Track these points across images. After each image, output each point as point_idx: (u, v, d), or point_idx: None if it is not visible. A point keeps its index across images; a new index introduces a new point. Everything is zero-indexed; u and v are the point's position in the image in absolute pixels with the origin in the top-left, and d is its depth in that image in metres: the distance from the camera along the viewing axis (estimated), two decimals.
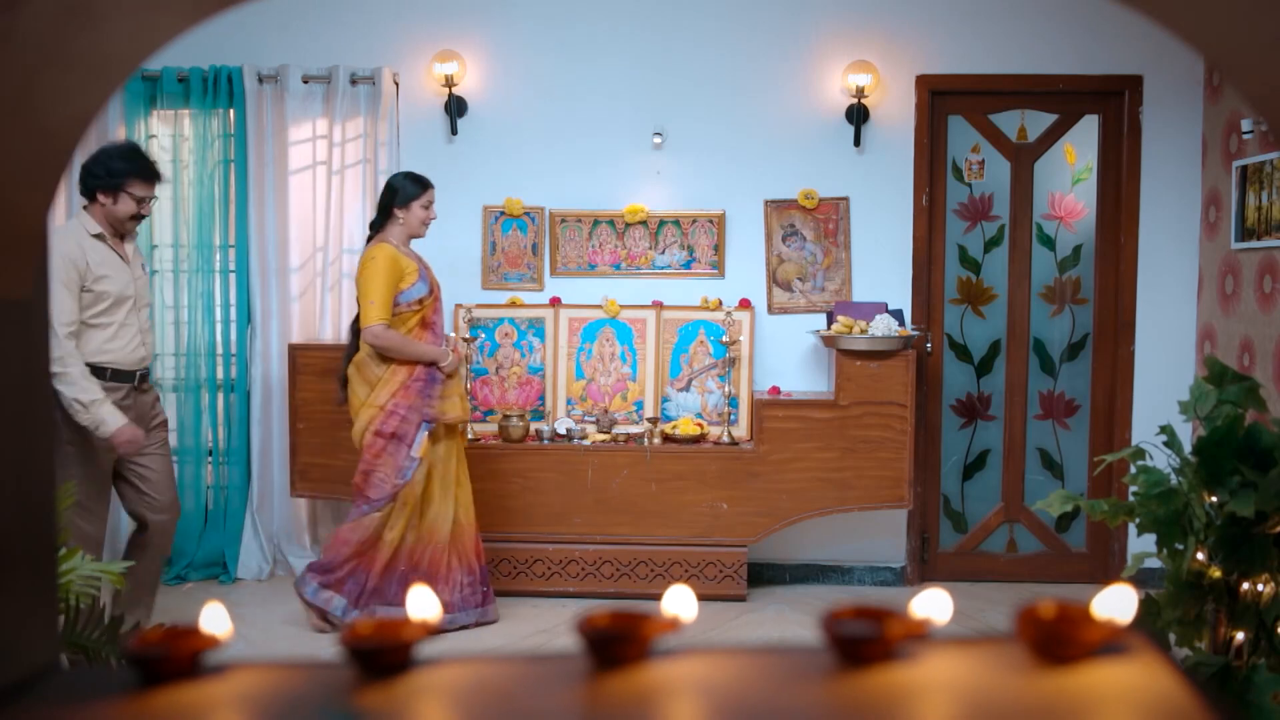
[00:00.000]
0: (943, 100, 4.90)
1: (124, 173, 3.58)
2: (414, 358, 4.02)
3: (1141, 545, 4.55)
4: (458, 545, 4.13)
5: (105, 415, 3.47)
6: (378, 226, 4.13)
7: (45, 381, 1.09)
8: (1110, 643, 0.84)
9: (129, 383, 3.65)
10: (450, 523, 4.11)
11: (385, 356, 4.01)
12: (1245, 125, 4.45)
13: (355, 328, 4.13)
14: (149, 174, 3.65)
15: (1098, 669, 0.82)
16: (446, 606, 4.07)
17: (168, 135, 5.00)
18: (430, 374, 4.05)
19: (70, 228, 3.59)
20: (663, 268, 4.94)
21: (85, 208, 3.62)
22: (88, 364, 3.51)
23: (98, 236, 3.58)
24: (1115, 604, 0.85)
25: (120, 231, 3.65)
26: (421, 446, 4.02)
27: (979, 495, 5.07)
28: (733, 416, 4.76)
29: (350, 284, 4.94)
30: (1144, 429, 4.79)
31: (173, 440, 4.48)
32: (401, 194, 4.07)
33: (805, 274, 4.91)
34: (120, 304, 3.60)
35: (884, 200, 4.88)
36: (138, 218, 3.66)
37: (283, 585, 4.87)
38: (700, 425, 4.68)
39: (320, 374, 4.64)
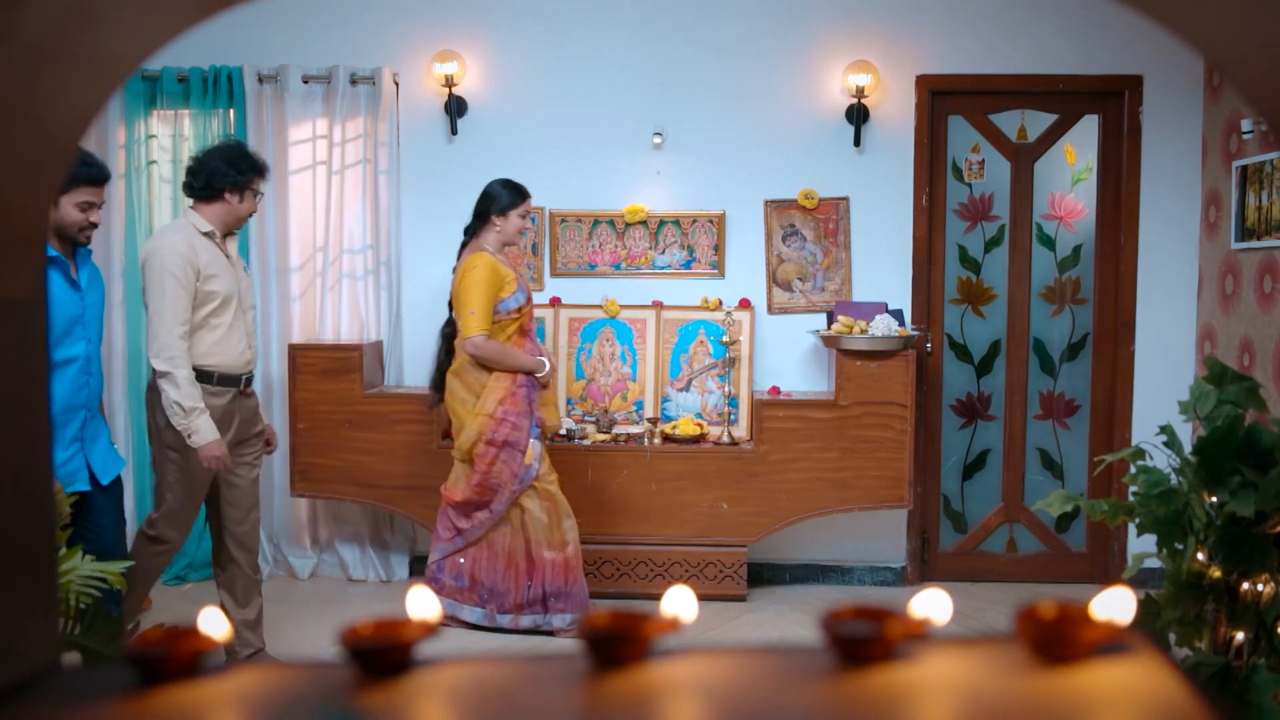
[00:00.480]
0: (943, 100, 4.90)
1: (250, 169, 3.53)
2: (513, 367, 4.02)
3: (1141, 545, 4.55)
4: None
5: (202, 425, 3.37)
6: (472, 232, 4.11)
7: (45, 381, 1.09)
8: (1110, 643, 0.84)
9: (235, 386, 3.56)
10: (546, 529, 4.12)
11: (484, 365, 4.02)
12: (1245, 125, 4.45)
13: (446, 333, 4.14)
14: (265, 170, 3.63)
15: (1098, 669, 0.82)
16: (517, 609, 4.09)
17: (168, 135, 4.99)
18: (532, 380, 4.07)
19: (179, 226, 3.49)
20: (663, 268, 4.94)
21: (193, 207, 3.53)
22: (195, 366, 3.43)
23: (208, 235, 3.48)
24: (1114, 607, 0.85)
25: (232, 230, 3.59)
26: (531, 452, 4.03)
27: (979, 495, 5.07)
28: (733, 416, 4.76)
29: (351, 284, 4.94)
30: (1144, 429, 4.79)
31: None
32: (500, 201, 4.06)
33: (805, 274, 4.91)
34: (228, 305, 3.50)
35: (884, 200, 4.87)
36: (249, 215, 3.63)
37: (282, 585, 4.87)
38: (700, 425, 4.68)
39: (320, 374, 4.64)
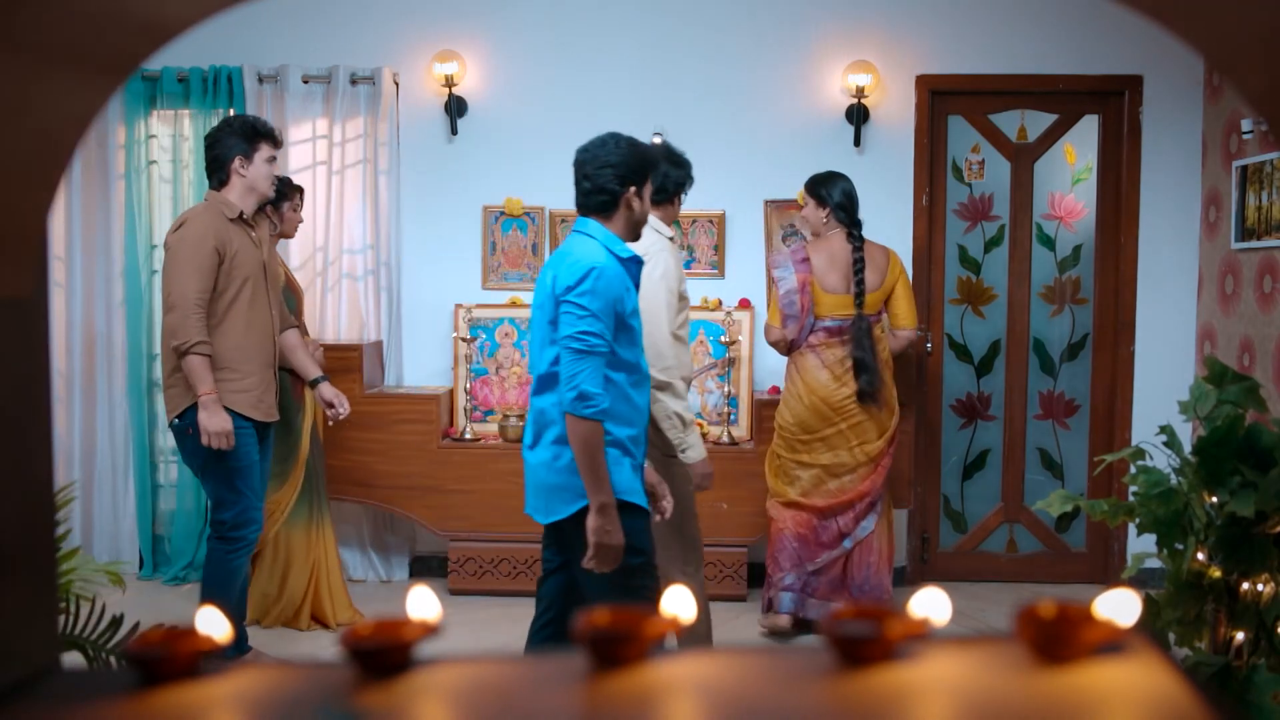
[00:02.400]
0: (943, 100, 4.89)
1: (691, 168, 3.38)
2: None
3: (1141, 545, 4.55)
4: None
5: (695, 440, 3.13)
6: (854, 220, 4.15)
7: (45, 381, 1.09)
8: (1110, 643, 0.84)
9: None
10: None
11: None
12: (1245, 125, 4.45)
13: (864, 327, 4.05)
14: None
15: (1098, 669, 0.82)
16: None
17: (168, 135, 5.00)
18: None
19: (649, 233, 3.09)
20: None
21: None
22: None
23: (671, 239, 3.30)
24: (1117, 608, 0.85)
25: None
26: None
27: (979, 495, 5.07)
28: (733, 416, 4.75)
29: (351, 284, 4.93)
30: (1144, 429, 4.78)
31: (170, 440, 4.45)
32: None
33: None
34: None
35: (884, 200, 4.87)
36: None
37: None
38: (700, 425, 4.68)
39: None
